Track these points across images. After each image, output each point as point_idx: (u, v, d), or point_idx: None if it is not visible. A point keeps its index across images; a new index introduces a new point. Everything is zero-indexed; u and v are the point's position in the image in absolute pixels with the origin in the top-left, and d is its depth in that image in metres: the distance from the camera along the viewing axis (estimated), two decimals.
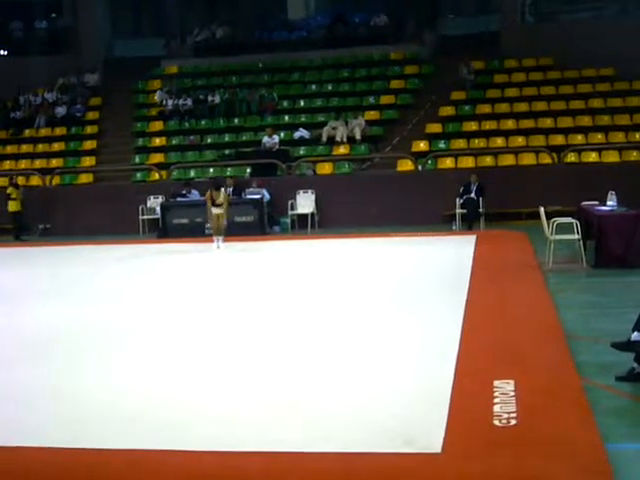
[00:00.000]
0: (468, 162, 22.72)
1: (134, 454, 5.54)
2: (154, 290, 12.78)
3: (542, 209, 13.77)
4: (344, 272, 13.80)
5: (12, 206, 22.37)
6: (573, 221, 13.28)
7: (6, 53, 33.44)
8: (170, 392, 6.88)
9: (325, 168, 23.77)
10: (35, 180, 25.02)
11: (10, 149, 27.58)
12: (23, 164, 26.73)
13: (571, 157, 22.00)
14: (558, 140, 23.02)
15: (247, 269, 14.85)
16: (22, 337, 9.39)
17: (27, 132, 28.19)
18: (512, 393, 6.29)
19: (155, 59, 30.75)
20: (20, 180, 24.38)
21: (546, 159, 21.91)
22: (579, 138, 23.00)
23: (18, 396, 6.98)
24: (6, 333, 9.68)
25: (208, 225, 18.67)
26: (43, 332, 9.59)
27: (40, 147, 27.47)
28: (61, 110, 28.55)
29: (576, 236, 13.14)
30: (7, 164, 26.85)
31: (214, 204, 17.81)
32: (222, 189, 18.33)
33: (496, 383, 6.53)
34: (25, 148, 27.57)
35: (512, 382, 6.55)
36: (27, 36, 33.38)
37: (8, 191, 22.41)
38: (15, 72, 29.84)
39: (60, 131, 28.00)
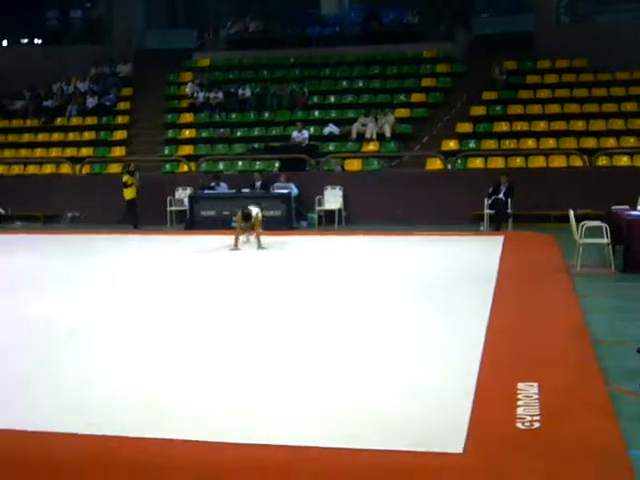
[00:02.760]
0: (498, 163, 22.58)
1: (150, 443, 5.56)
2: (178, 282, 12.83)
3: (571, 212, 13.66)
4: (369, 269, 13.77)
5: (128, 193, 21.73)
6: (602, 225, 13.16)
7: (40, 42, 33.66)
8: (189, 382, 6.91)
9: (354, 165, 23.73)
10: (65, 168, 25.19)
11: (41, 137, 27.77)
12: (54, 152, 26.89)
13: (602, 160, 21.80)
14: (590, 143, 22.81)
15: (272, 264, 14.85)
16: (47, 325, 9.46)
17: (59, 121, 28.37)
18: (536, 396, 6.25)
19: (187, 51, 30.84)
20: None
21: (577, 162, 21.74)
22: (611, 141, 22.78)
23: (37, 382, 7.03)
24: (30, 320, 9.75)
25: (235, 219, 18.45)
26: (66, 320, 9.66)
27: (71, 136, 27.61)
28: (93, 100, 28.71)
29: (605, 240, 13.03)
30: (38, 152, 27.04)
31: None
32: (252, 219, 16.36)
33: (520, 385, 6.50)
34: (56, 137, 27.72)
35: (536, 385, 6.51)
36: (61, 25, 33.61)
37: (124, 179, 21.83)
38: (49, 61, 30.07)
39: (91, 120, 28.14)
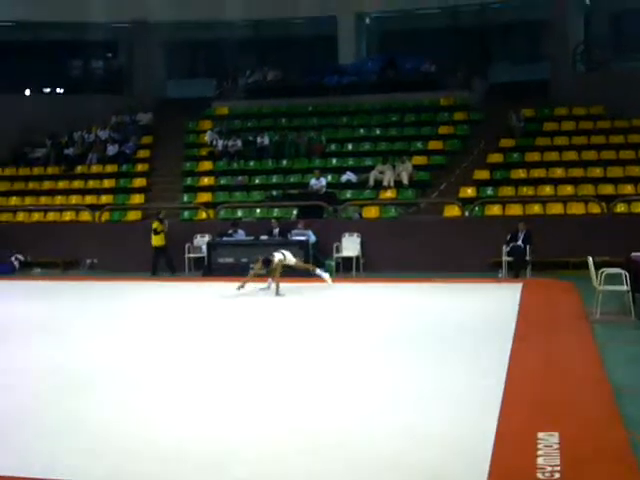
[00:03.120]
0: (516, 210, 22.57)
1: None
2: (191, 329, 12.83)
3: (590, 259, 13.60)
4: (386, 317, 13.72)
5: (156, 240, 21.93)
6: (622, 272, 13.08)
7: (62, 91, 34.11)
8: (204, 431, 6.88)
9: (371, 212, 23.78)
10: (85, 216, 25.37)
11: (62, 185, 28.04)
12: (74, 200, 27.12)
13: (621, 207, 21.74)
14: (608, 190, 22.79)
15: (288, 311, 14.83)
16: (63, 372, 9.46)
17: (79, 168, 28.67)
18: (556, 445, 6.18)
19: (207, 100, 31.18)
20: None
21: (595, 209, 21.69)
22: (629, 188, 22.75)
23: (54, 430, 7.02)
24: (48, 367, 9.76)
25: (252, 265, 18.47)
26: (83, 367, 9.66)
27: (91, 183, 27.88)
28: (113, 148, 29.03)
29: (625, 287, 12.94)
30: (58, 199, 27.26)
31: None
32: (271, 264, 16.60)
33: (540, 435, 6.43)
34: (76, 184, 27.99)
35: (557, 434, 6.43)
36: (83, 75, 34.08)
37: (154, 226, 22.01)
38: (70, 110, 30.46)
39: (111, 168, 28.42)
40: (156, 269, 21.98)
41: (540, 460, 5.87)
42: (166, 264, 21.97)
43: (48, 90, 34.31)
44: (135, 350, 10.81)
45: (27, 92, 33.74)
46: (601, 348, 10.25)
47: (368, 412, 7.40)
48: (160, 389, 8.51)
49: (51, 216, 26.28)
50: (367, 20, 32.82)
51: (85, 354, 10.53)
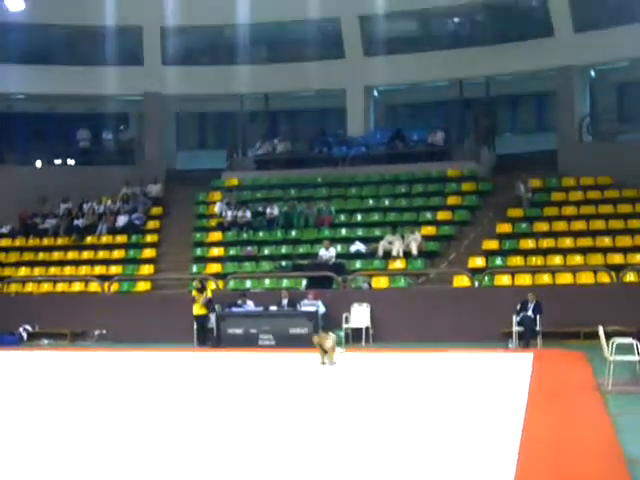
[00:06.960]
0: (525, 279, 22.53)
1: None
2: (201, 401, 12.75)
3: (601, 329, 13.51)
4: (395, 388, 13.59)
5: (195, 309, 21.94)
6: (633, 342, 12.98)
7: (73, 162, 34.47)
8: None
9: (381, 282, 23.76)
10: (94, 286, 25.39)
11: (71, 255, 28.12)
12: (83, 270, 27.20)
13: (630, 276, 21.69)
14: (617, 259, 22.77)
15: (298, 382, 14.72)
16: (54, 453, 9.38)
17: (89, 239, 28.80)
18: None
19: (217, 171, 31.43)
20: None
21: (605, 278, 21.63)
22: (638, 257, 22.70)
23: None
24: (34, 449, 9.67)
25: (262, 336, 18.29)
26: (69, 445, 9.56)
27: (100, 254, 27.97)
28: (123, 218, 29.20)
29: (636, 357, 12.83)
30: (68, 270, 27.34)
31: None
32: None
33: None
34: (86, 255, 28.08)
35: None
36: (94, 146, 34.46)
37: (194, 294, 22.10)
38: (81, 181, 30.76)
39: (121, 239, 28.55)
40: (200, 339, 21.82)
41: None
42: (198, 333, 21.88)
43: (59, 161, 34.67)
44: (127, 429, 10.68)
45: (38, 163, 34.09)
46: (614, 419, 10.12)
47: None
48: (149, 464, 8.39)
49: (60, 287, 26.32)
50: (375, 93, 33.22)
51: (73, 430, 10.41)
